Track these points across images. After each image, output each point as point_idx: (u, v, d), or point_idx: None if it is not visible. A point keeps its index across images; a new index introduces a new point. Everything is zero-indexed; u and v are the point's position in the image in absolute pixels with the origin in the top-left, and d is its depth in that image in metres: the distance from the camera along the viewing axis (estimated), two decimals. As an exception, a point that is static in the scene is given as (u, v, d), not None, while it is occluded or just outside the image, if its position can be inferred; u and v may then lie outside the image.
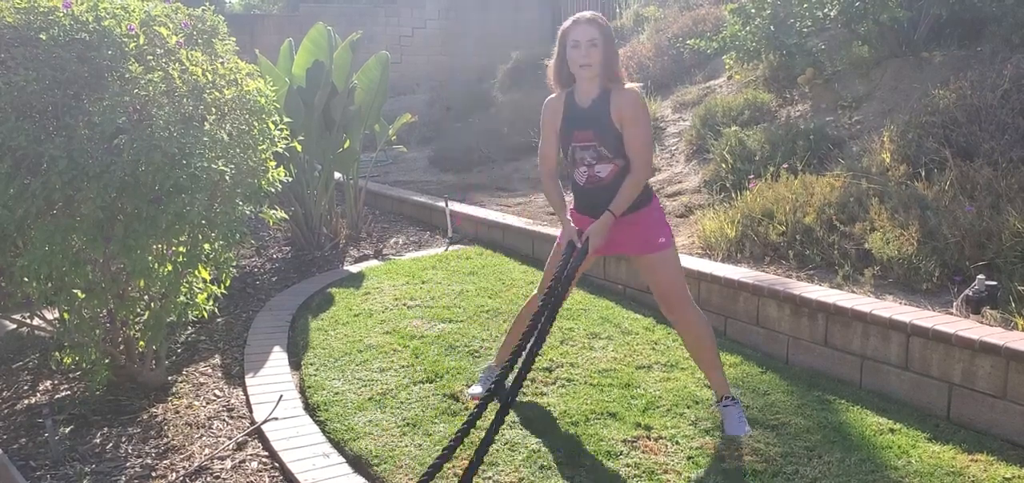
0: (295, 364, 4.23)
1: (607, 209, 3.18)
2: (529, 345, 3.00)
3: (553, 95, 3.39)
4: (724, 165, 6.01)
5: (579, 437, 3.24)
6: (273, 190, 4.14)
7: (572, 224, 3.29)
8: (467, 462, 3.08)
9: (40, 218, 3.33)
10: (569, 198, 3.46)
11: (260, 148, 4.04)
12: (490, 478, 2.98)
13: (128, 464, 3.23)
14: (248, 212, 3.95)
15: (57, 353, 3.77)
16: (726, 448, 3.13)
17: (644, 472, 2.98)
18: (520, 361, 2.98)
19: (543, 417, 3.43)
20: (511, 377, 2.97)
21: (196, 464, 3.22)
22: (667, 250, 3.29)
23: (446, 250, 6.51)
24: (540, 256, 5.95)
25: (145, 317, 3.80)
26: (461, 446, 3.18)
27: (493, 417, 2.84)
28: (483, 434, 2.83)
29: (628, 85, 3.25)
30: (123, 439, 3.44)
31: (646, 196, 3.29)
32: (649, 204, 3.31)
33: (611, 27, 3.33)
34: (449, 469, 3.03)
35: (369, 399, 3.65)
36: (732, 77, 7.93)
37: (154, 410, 3.71)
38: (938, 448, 3.13)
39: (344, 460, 3.20)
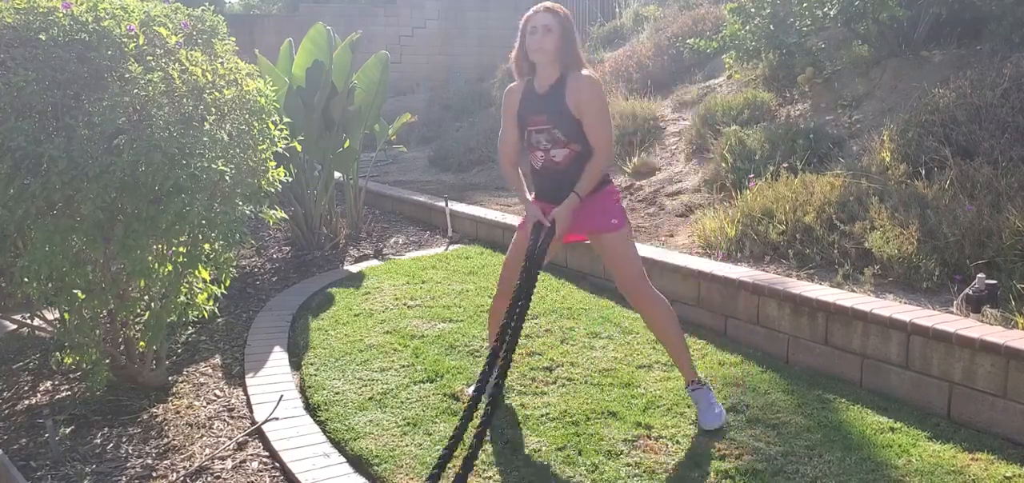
0: (295, 364, 4.23)
1: (573, 191, 3.29)
2: (512, 328, 3.03)
3: (514, 84, 3.52)
4: (724, 164, 6.01)
5: (579, 437, 3.24)
6: (273, 190, 4.14)
7: (534, 206, 3.38)
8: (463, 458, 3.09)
9: (40, 218, 3.33)
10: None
11: (260, 148, 4.04)
12: (490, 478, 2.98)
13: (128, 464, 3.23)
14: (248, 212, 3.95)
15: (57, 353, 3.77)
16: (726, 447, 3.13)
17: (644, 471, 2.98)
18: (504, 350, 2.99)
19: (543, 417, 3.43)
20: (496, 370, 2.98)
21: (197, 464, 3.21)
22: (622, 229, 3.39)
23: (446, 250, 6.52)
24: (540, 256, 5.95)
25: (145, 317, 3.80)
26: (460, 444, 3.19)
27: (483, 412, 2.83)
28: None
29: (585, 71, 3.34)
30: (123, 439, 3.44)
31: (603, 180, 3.39)
32: (605, 187, 3.41)
33: (570, 17, 3.41)
34: (449, 469, 3.03)
35: (369, 399, 3.65)
36: (732, 76, 7.93)
37: (154, 410, 3.71)
38: (938, 447, 3.13)
39: (345, 460, 3.20)
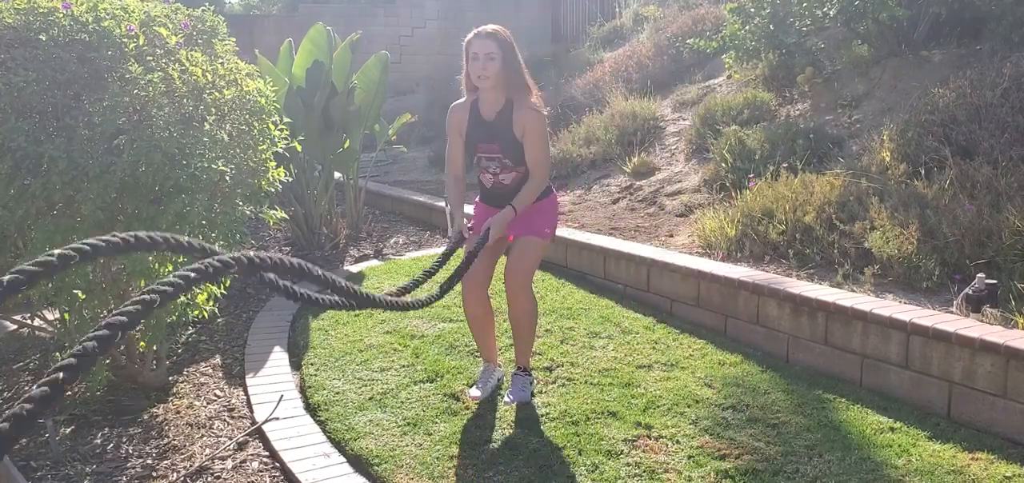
0: (295, 364, 4.23)
1: (511, 204, 3.43)
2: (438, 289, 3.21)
3: (459, 101, 3.60)
4: (724, 164, 6.01)
5: (579, 437, 3.24)
6: (273, 190, 4.14)
7: (463, 225, 3.56)
8: (467, 461, 3.09)
9: (40, 219, 3.33)
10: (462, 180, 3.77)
11: (260, 148, 4.04)
12: (491, 478, 2.99)
13: (129, 464, 3.23)
14: (248, 212, 3.95)
15: (57, 354, 3.76)
16: (726, 447, 3.14)
17: (644, 471, 2.98)
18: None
19: (543, 417, 3.43)
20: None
21: (197, 464, 3.22)
22: (544, 240, 3.57)
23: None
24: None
25: (145, 317, 3.79)
26: (463, 446, 3.18)
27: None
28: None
29: (533, 100, 3.44)
30: (124, 439, 3.44)
31: (546, 190, 3.58)
32: (548, 197, 3.61)
33: (511, 39, 3.45)
34: (449, 469, 3.03)
35: (370, 399, 3.65)
36: (731, 76, 7.93)
37: (155, 410, 3.71)
38: (938, 447, 3.13)
39: (345, 460, 3.20)
